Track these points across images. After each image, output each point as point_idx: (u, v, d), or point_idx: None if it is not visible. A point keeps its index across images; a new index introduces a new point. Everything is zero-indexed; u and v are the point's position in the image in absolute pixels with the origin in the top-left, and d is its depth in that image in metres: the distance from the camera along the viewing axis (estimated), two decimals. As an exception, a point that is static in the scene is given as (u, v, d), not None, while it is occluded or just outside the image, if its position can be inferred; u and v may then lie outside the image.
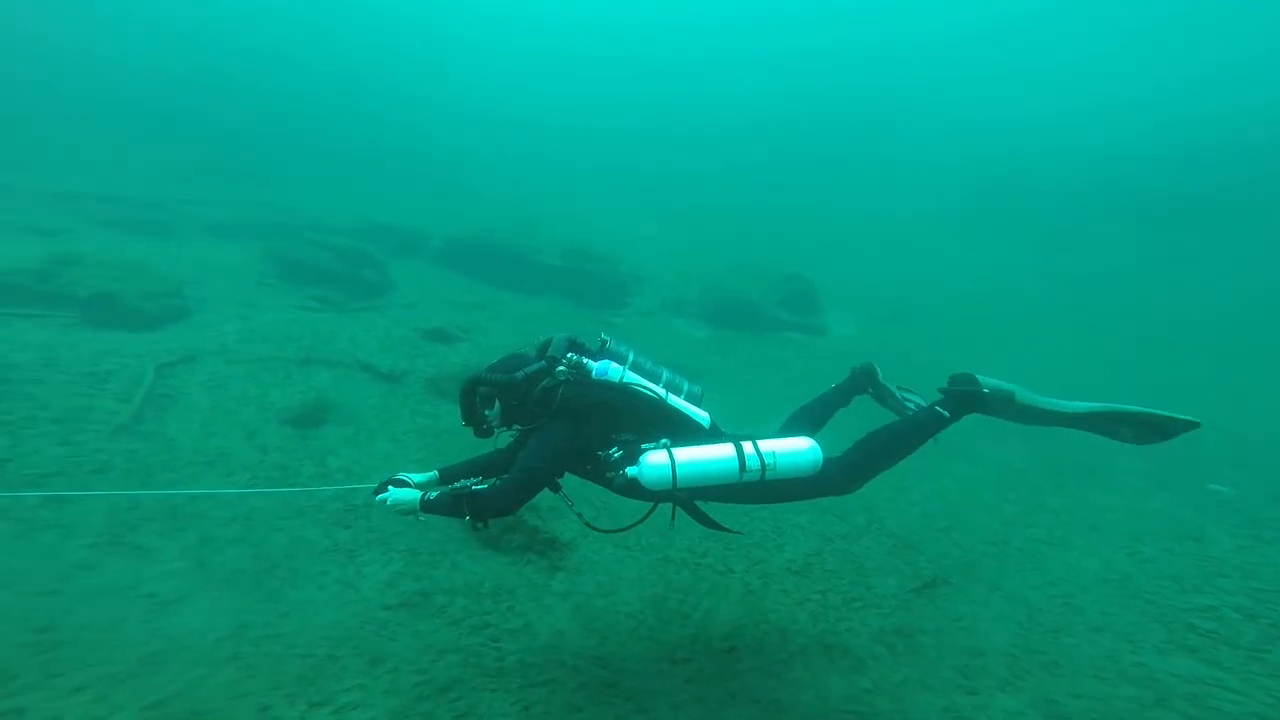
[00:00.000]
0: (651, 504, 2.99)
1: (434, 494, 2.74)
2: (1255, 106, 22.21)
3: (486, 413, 2.85)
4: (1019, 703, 3.28)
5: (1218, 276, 15.32)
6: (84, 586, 3.49)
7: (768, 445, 2.89)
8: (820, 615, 4.33)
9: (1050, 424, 3.06)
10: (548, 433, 2.75)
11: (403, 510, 2.76)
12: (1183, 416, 2.80)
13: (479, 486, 2.67)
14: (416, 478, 2.95)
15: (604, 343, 3.06)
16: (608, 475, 2.84)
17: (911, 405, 3.43)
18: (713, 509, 3.17)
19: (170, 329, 6.74)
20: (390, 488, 2.82)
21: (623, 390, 2.90)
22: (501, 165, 23.35)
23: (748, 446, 2.86)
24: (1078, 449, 6.72)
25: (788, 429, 3.28)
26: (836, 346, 12.46)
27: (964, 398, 3.08)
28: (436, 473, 3.08)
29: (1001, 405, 3.06)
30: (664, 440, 2.83)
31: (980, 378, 3.08)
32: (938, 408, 3.11)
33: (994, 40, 37.40)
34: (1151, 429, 2.84)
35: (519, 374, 2.81)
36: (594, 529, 3.01)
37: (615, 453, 2.82)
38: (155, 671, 2.95)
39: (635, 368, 3.02)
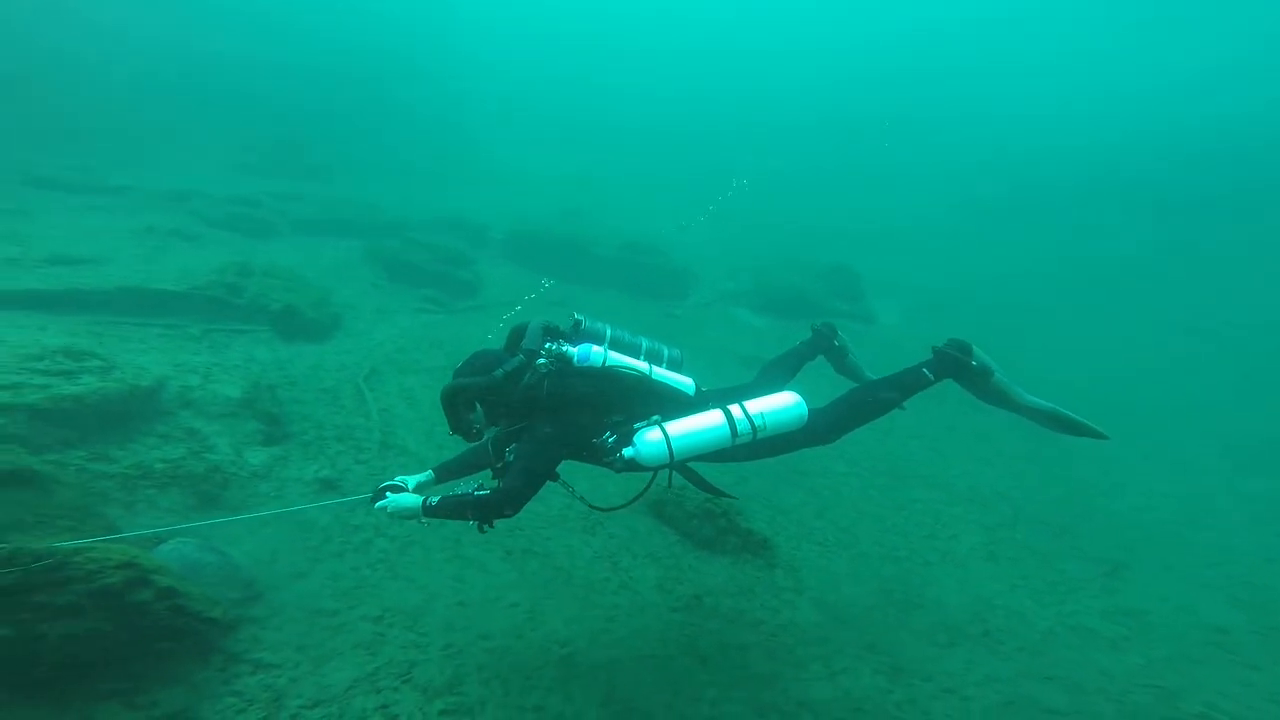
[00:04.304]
0: (651, 475, 3.00)
1: (435, 499, 2.73)
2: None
3: (470, 416, 2.80)
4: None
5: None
6: (475, 597, 3.84)
7: (755, 407, 2.94)
8: (1040, 599, 4.80)
9: (1004, 407, 3.24)
10: (539, 430, 2.73)
11: (405, 516, 2.77)
12: (1097, 428, 3.08)
13: (480, 491, 2.67)
14: (413, 480, 3.00)
15: (578, 323, 3.00)
16: (606, 459, 2.88)
17: (866, 370, 3.61)
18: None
19: (338, 339, 6.89)
20: (389, 494, 2.82)
21: (606, 375, 2.86)
22: (535, 158, 23.08)
23: (736, 411, 2.90)
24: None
25: (761, 381, 3.33)
26: (886, 335, 12.92)
27: (951, 362, 3.17)
28: (432, 472, 3.13)
29: (979, 379, 3.18)
30: (655, 418, 2.85)
31: (975, 349, 3.19)
32: (924, 369, 3.20)
33: (1017, 31, 37.39)
34: (1070, 428, 3.12)
35: (498, 372, 2.74)
36: (598, 509, 3.00)
37: (609, 438, 2.84)
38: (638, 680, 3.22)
39: (615, 343, 2.98)
